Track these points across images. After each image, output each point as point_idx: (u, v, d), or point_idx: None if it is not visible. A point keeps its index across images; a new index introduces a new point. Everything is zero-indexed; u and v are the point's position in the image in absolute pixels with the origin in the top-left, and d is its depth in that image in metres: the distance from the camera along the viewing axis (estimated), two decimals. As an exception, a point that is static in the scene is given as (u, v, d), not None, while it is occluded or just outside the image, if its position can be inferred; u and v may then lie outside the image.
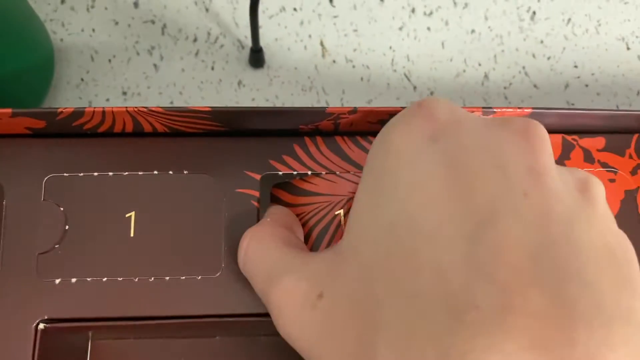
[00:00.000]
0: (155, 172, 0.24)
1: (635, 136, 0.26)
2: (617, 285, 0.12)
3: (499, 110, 0.24)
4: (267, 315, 0.23)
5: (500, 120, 0.16)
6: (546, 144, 0.15)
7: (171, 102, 0.34)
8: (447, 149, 0.15)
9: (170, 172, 0.24)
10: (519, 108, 0.24)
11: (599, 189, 0.15)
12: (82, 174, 0.24)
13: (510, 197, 0.13)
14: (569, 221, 0.13)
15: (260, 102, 0.34)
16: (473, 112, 0.24)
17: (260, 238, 0.21)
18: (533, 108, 0.24)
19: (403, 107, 0.23)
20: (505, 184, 0.13)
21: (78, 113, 0.23)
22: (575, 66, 0.36)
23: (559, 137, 0.26)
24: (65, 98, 0.34)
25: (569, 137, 0.26)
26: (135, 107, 0.23)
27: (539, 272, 0.12)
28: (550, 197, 0.14)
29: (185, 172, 0.25)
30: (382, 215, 0.15)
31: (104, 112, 0.23)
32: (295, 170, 0.25)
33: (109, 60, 0.34)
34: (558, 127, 0.26)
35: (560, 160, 0.26)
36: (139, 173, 0.24)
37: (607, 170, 0.26)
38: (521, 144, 0.14)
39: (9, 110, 0.23)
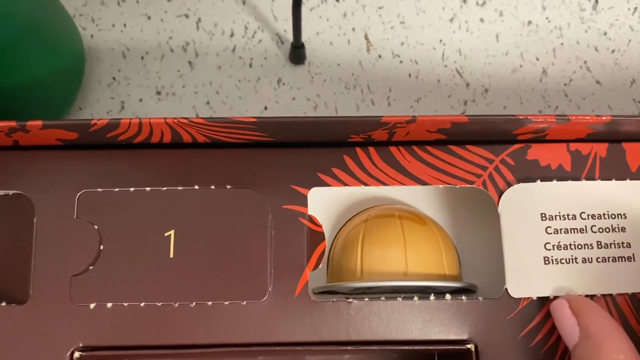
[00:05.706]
0: (196, 186, 0.23)
1: None
2: None
3: (574, 117, 0.22)
4: (314, 344, 0.22)
5: None
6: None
7: (207, 102, 0.32)
8: None
9: (212, 187, 0.23)
10: (597, 116, 0.22)
11: None
12: (117, 189, 0.22)
13: None
14: None
15: (301, 101, 0.32)
16: (546, 119, 0.22)
17: None
18: (612, 116, 0.22)
19: (463, 113, 0.21)
20: None
21: (113, 125, 0.21)
22: (642, 60, 0.33)
23: None
24: (96, 98, 0.32)
25: (649, 146, 0.24)
26: (175, 118, 0.21)
27: None
28: None
29: (228, 186, 0.23)
30: None
31: (140, 124, 0.21)
32: (346, 184, 0.23)
33: (142, 58, 0.33)
34: None
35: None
36: (179, 188, 0.23)
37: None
38: None
39: (39, 122, 0.21)
